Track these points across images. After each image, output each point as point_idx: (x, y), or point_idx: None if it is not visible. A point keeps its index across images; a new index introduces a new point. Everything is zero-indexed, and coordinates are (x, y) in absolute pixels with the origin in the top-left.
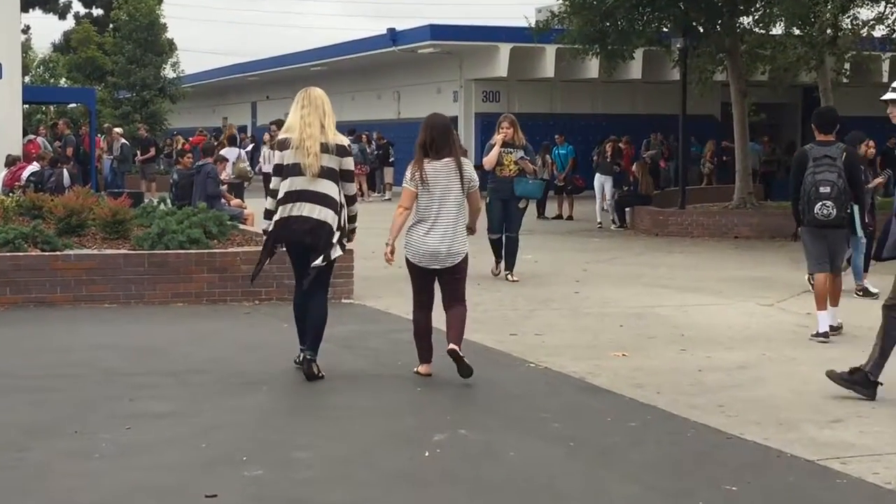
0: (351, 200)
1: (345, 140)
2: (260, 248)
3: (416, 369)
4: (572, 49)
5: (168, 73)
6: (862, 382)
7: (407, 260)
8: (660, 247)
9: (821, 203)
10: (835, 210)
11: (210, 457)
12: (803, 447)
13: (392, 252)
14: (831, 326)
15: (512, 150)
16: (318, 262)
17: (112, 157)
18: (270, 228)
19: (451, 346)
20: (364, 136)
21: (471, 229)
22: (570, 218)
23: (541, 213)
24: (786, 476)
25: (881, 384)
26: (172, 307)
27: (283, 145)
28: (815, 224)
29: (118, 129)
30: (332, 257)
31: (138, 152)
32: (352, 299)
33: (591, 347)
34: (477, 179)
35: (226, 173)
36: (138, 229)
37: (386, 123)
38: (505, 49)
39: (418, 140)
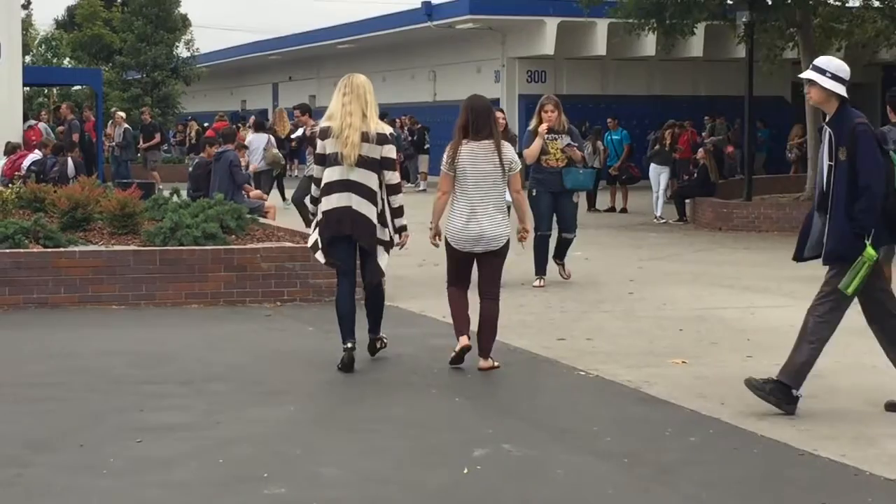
0: (394, 190)
1: (387, 129)
2: (281, 244)
3: (455, 349)
4: (626, 24)
5: (181, 51)
6: (785, 399)
7: (446, 242)
8: (723, 242)
9: None
10: None
11: (228, 473)
12: (883, 465)
13: (436, 235)
14: None
15: (557, 136)
16: (383, 263)
17: (113, 143)
18: (318, 219)
19: (482, 364)
20: (397, 121)
21: (524, 230)
22: (623, 211)
23: (592, 206)
24: (864, 497)
25: (801, 396)
26: (186, 309)
27: (325, 134)
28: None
29: (121, 113)
30: (386, 260)
31: (141, 139)
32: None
33: (647, 354)
34: (518, 162)
35: (254, 163)
36: (149, 223)
37: (420, 106)
38: (552, 24)
39: (458, 121)
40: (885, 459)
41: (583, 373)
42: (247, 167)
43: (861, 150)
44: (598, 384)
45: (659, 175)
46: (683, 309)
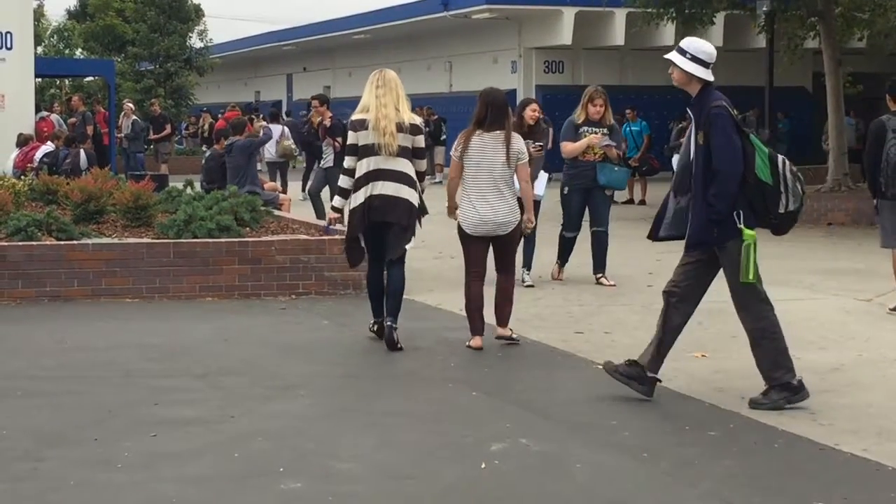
0: (421, 177)
1: (418, 119)
2: (296, 237)
3: (467, 343)
4: (645, 13)
5: (195, 42)
6: (638, 378)
7: (460, 229)
8: None
9: None
10: None
11: (243, 468)
12: None
13: (453, 209)
14: None
15: (598, 129)
16: (411, 244)
17: (121, 135)
18: (353, 207)
19: (500, 332)
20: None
21: (528, 220)
22: (642, 203)
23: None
24: (887, 492)
25: (660, 381)
26: (200, 302)
27: (359, 126)
28: None
29: (129, 105)
30: (414, 235)
31: (151, 130)
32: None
33: None
34: (526, 153)
35: (267, 153)
36: (162, 216)
37: (437, 97)
38: (569, 14)
39: (475, 114)
40: None
41: (600, 366)
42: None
43: (714, 134)
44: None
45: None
46: (702, 302)
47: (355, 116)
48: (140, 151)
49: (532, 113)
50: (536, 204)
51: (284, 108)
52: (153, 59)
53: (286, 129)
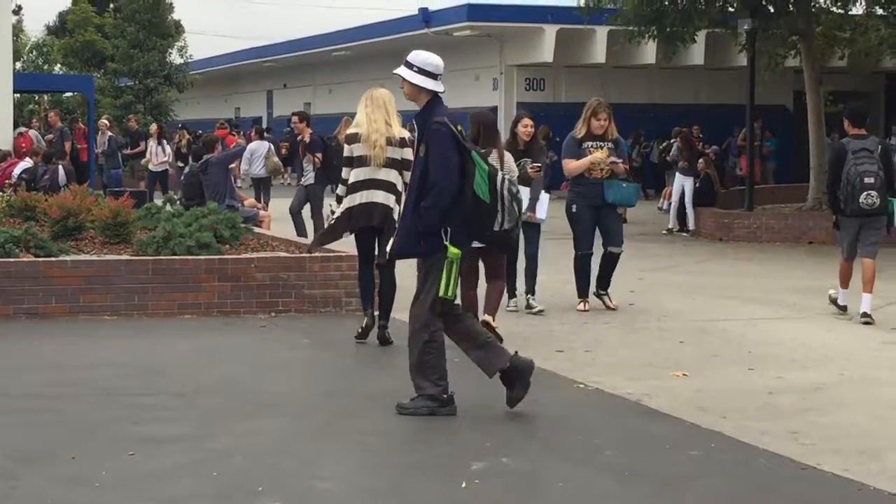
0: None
1: (406, 133)
2: (276, 254)
3: None
4: (626, 31)
5: (174, 58)
6: (441, 402)
7: None
8: (725, 253)
9: (866, 193)
10: (878, 199)
11: (222, 487)
12: (889, 480)
13: None
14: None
15: (602, 144)
16: (391, 247)
17: (98, 150)
18: (341, 212)
19: (485, 316)
20: None
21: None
22: (623, 221)
23: None
24: None
25: (453, 393)
26: (179, 320)
27: (353, 139)
28: (858, 213)
29: (104, 121)
30: None
31: (128, 147)
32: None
33: (647, 366)
34: (516, 170)
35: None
36: (141, 233)
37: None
38: (551, 31)
39: (469, 135)
40: (890, 474)
41: (582, 385)
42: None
43: (432, 149)
44: (597, 397)
45: (682, 186)
46: (684, 321)
47: (350, 131)
48: (116, 167)
49: (525, 129)
50: (537, 227)
51: (265, 125)
52: (132, 75)
53: (272, 146)
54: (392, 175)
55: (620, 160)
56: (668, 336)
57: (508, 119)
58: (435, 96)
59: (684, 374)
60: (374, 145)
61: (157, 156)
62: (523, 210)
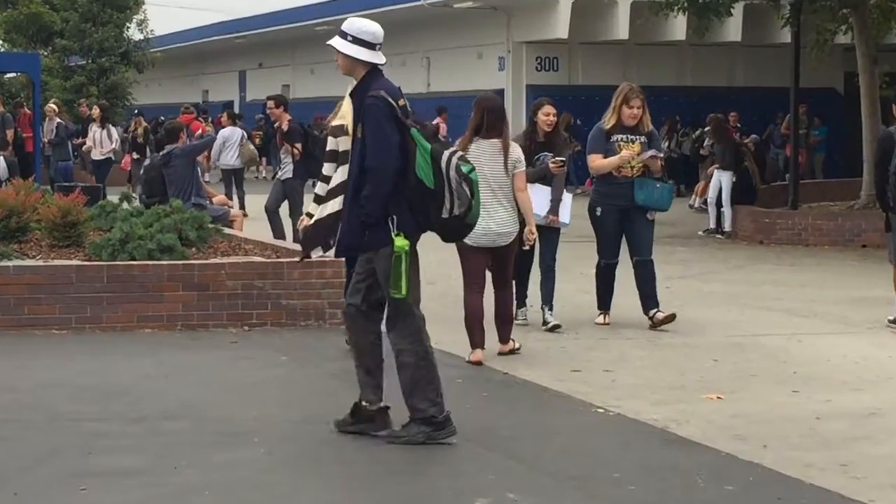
0: None
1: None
2: (249, 259)
3: (467, 359)
4: (652, 3)
5: (133, 34)
6: (368, 419)
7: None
8: (765, 258)
9: None
10: None
11: None
12: None
13: None
14: None
15: (635, 137)
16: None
17: (45, 139)
18: (326, 216)
19: (502, 349)
20: None
21: (530, 232)
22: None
23: None
24: None
25: (389, 407)
26: (139, 334)
27: (339, 131)
28: None
29: (52, 105)
30: None
31: (79, 135)
32: None
33: (676, 388)
34: (522, 161)
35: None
36: (95, 234)
37: (412, 98)
38: (565, 3)
39: (472, 122)
40: None
41: (601, 410)
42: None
43: (368, 127)
44: (618, 423)
45: (720, 181)
46: (718, 336)
47: (334, 122)
48: (66, 159)
49: (546, 118)
50: (557, 232)
51: (237, 110)
52: (85, 53)
53: (244, 133)
54: None
55: (660, 153)
56: (699, 353)
57: (516, 105)
58: (373, 69)
59: (718, 397)
60: None
61: (102, 143)
62: (542, 213)
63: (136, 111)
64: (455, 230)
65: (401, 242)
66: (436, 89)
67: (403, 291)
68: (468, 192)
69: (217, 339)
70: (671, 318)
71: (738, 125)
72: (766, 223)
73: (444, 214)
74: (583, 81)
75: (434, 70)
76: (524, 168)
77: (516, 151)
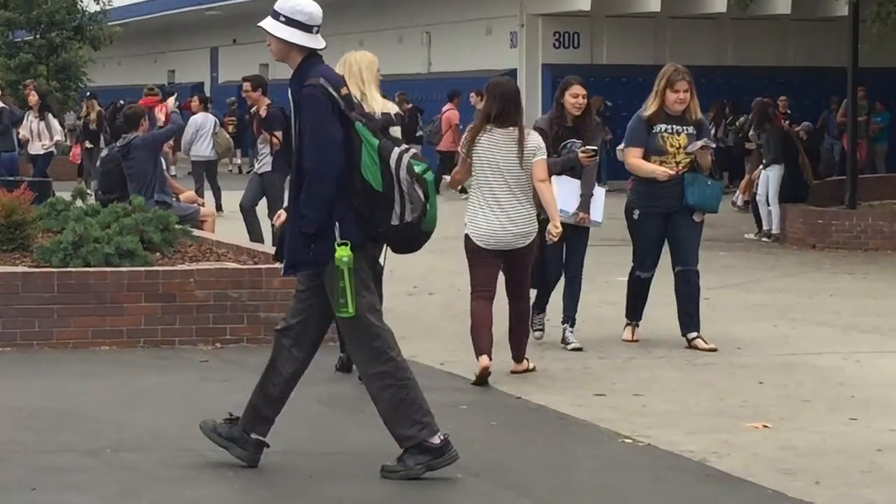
0: None
1: (392, 107)
2: (222, 265)
3: (476, 372)
4: None
5: (88, 5)
6: (239, 440)
7: (467, 240)
8: (818, 264)
9: None
10: None
11: None
12: None
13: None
14: None
15: (681, 128)
16: (382, 260)
17: None
18: None
19: (516, 367)
20: None
21: (553, 227)
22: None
23: None
24: None
25: (268, 445)
26: (94, 352)
27: None
28: None
29: None
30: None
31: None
32: None
33: (715, 415)
34: (543, 149)
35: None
36: (44, 237)
37: (411, 79)
38: None
39: (483, 109)
40: None
41: (629, 440)
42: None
43: (306, 121)
44: (649, 455)
45: (768, 178)
46: (764, 354)
47: None
48: (10, 150)
49: (575, 99)
50: (586, 232)
51: (208, 93)
52: (32, 26)
53: (217, 121)
54: None
55: (711, 144)
56: (742, 375)
57: (530, 88)
58: (311, 55)
59: (765, 426)
60: None
61: (40, 135)
62: (570, 209)
63: (87, 93)
64: (407, 239)
65: (342, 253)
66: (438, 69)
67: (351, 309)
68: (422, 196)
69: (185, 357)
70: (711, 351)
71: (788, 111)
72: (819, 224)
73: (395, 221)
74: (607, 60)
75: (436, 48)
76: (545, 156)
77: (534, 139)
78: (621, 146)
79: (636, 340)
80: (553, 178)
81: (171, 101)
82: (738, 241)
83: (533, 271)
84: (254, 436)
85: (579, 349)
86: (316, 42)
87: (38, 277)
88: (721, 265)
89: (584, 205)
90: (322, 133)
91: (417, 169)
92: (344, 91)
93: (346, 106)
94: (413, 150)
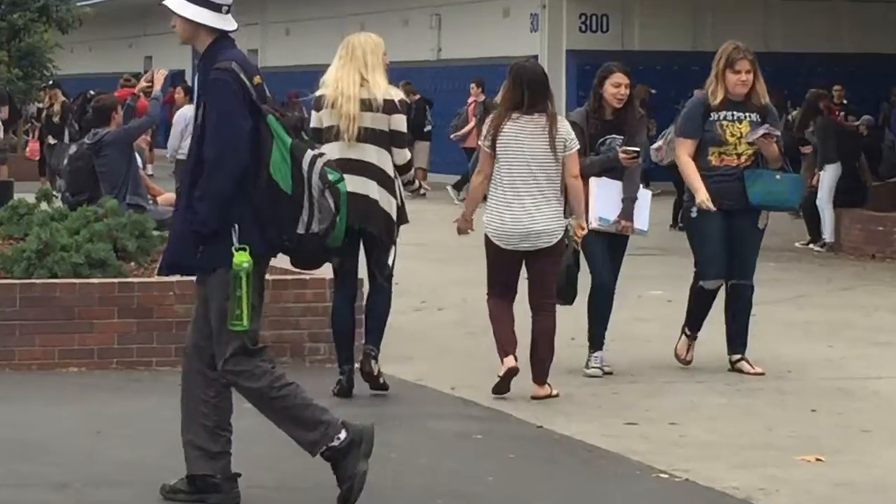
0: (404, 169)
1: (396, 94)
2: None
3: (499, 374)
4: None
5: None
6: (210, 489)
7: (487, 239)
8: (878, 276)
9: None
10: None
11: None
12: None
13: (467, 221)
14: None
15: (743, 115)
16: (391, 261)
17: None
18: None
19: (536, 391)
20: None
21: (579, 227)
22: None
23: (679, 220)
24: None
25: (239, 475)
26: (61, 374)
27: (318, 104)
28: None
29: None
30: (393, 253)
31: None
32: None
33: (762, 447)
34: (575, 138)
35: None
36: (5, 244)
37: (419, 67)
38: None
39: (504, 94)
40: None
41: (665, 475)
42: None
43: (212, 108)
44: (688, 492)
45: (832, 180)
46: (816, 378)
47: (317, 93)
48: None
49: (617, 89)
50: (625, 242)
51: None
52: None
53: None
54: (370, 153)
55: (775, 131)
56: (792, 401)
57: (553, 77)
58: (221, 37)
59: (818, 459)
60: (342, 114)
61: None
62: (611, 216)
63: (51, 82)
64: (310, 252)
65: (241, 258)
66: (448, 56)
67: (245, 322)
68: (332, 206)
69: (163, 380)
70: (757, 375)
71: (844, 102)
72: (879, 231)
73: (300, 229)
74: (640, 46)
75: (446, 31)
76: (577, 147)
77: (565, 127)
78: (657, 144)
79: (689, 361)
80: (591, 180)
81: (162, 74)
82: (788, 250)
83: (567, 287)
84: (218, 477)
85: (610, 373)
86: (226, 23)
87: None
88: (769, 278)
89: (627, 211)
90: (229, 122)
91: (331, 177)
92: (257, 80)
93: (259, 97)
94: (327, 156)
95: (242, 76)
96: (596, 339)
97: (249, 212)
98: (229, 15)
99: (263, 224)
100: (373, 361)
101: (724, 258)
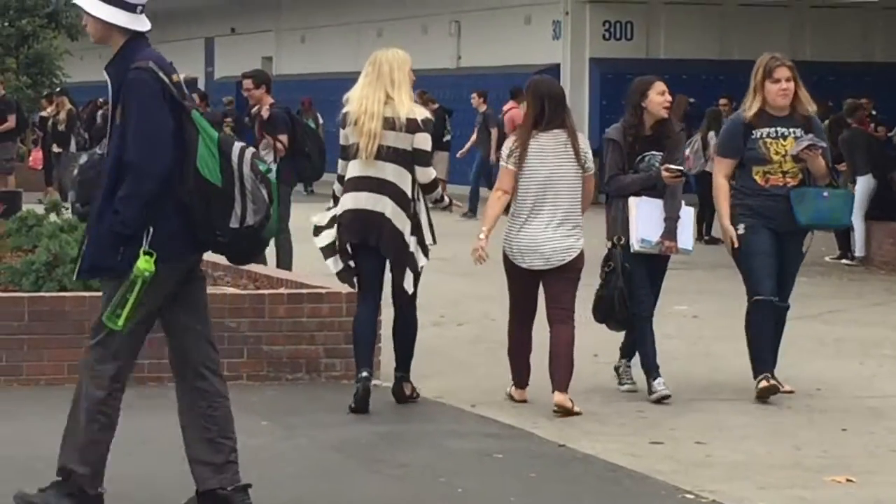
0: (429, 188)
1: (421, 112)
2: (219, 289)
3: (507, 390)
4: None
5: None
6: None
7: (505, 257)
8: None
9: None
10: None
11: None
12: None
13: (485, 245)
14: None
15: (787, 130)
16: (409, 285)
17: None
18: (336, 220)
19: (557, 399)
20: None
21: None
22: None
23: (706, 233)
24: None
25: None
26: (70, 390)
27: (344, 121)
28: None
29: None
30: (419, 267)
31: None
32: (379, 379)
33: (791, 467)
34: (591, 154)
35: None
36: (13, 256)
37: (437, 75)
38: None
39: (527, 113)
40: None
41: (691, 496)
42: None
43: (131, 109)
44: None
45: (868, 190)
46: (848, 397)
47: (343, 110)
48: None
49: (663, 97)
50: (665, 262)
51: (203, 87)
52: (0, 12)
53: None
54: (388, 171)
55: (821, 143)
56: (822, 420)
57: (576, 86)
58: (135, 37)
59: (848, 480)
60: (364, 132)
61: None
62: (654, 238)
63: (57, 89)
64: (245, 245)
65: (145, 265)
66: (469, 64)
67: (121, 323)
68: (266, 197)
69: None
70: (787, 394)
71: (873, 112)
72: None
73: (234, 223)
74: (665, 55)
75: (466, 39)
76: (594, 170)
77: (585, 142)
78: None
79: (768, 399)
80: (630, 199)
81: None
82: (818, 264)
83: (613, 304)
84: (94, 491)
85: (668, 395)
86: (140, 23)
87: (5, 303)
88: (798, 292)
89: (671, 231)
90: (150, 122)
91: (262, 168)
92: (175, 78)
93: (178, 94)
94: (253, 149)
95: (161, 74)
96: (650, 366)
97: (167, 214)
98: (143, 15)
99: (193, 222)
100: (404, 384)
101: (775, 271)
